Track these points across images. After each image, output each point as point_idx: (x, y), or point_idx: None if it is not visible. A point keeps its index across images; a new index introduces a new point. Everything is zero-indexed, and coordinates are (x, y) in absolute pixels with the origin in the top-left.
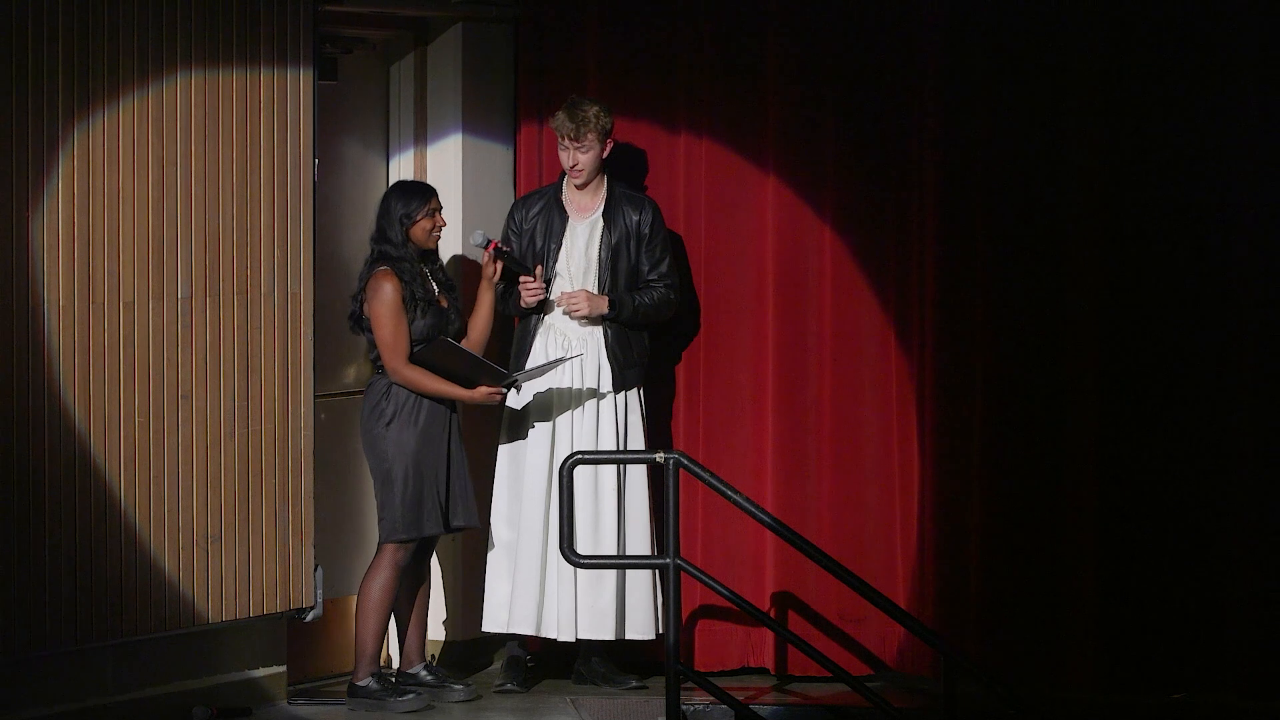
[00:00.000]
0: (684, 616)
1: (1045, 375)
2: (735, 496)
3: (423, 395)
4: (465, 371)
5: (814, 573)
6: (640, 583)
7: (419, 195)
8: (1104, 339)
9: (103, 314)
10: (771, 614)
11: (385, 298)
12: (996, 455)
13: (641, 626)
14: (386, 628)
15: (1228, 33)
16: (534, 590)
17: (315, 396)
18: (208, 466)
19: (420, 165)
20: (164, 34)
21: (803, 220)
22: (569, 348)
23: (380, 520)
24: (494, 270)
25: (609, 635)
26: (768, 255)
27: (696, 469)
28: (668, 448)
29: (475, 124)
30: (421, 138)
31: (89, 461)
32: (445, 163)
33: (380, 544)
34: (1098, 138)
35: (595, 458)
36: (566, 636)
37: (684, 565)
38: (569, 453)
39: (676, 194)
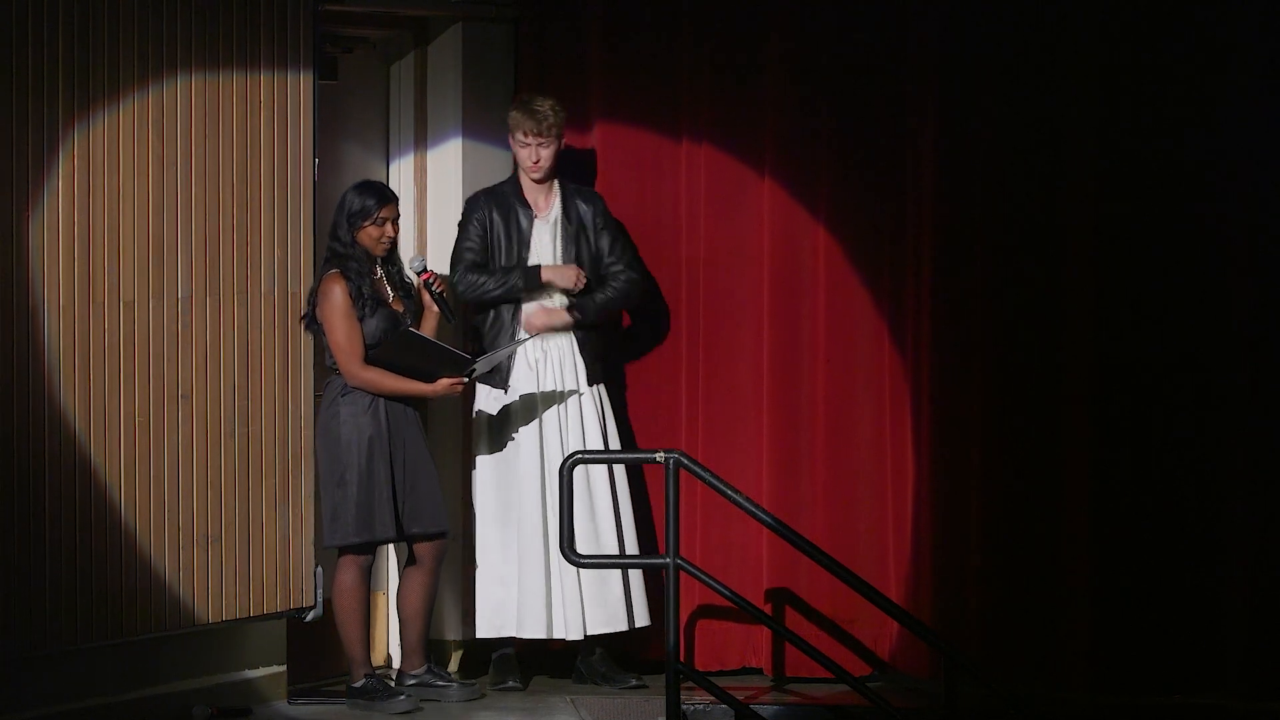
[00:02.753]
0: (684, 616)
1: (1041, 376)
2: (735, 496)
3: (381, 396)
4: (425, 365)
5: (812, 574)
6: (636, 571)
7: (374, 199)
8: (1100, 340)
9: (103, 314)
10: (769, 613)
11: (334, 301)
12: (992, 455)
13: (643, 613)
14: (366, 630)
15: (1226, 32)
16: (541, 594)
17: (315, 396)
18: (208, 466)
19: (420, 165)
20: (164, 34)
21: (798, 221)
22: (546, 345)
23: (332, 524)
24: (428, 298)
25: (621, 627)
26: (764, 256)
27: (696, 468)
28: (667, 447)
29: (475, 124)
30: (421, 137)
31: (89, 461)
32: (445, 162)
33: (337, 550)
34: (1095, 138)
35: (595, 458)
36: (576, 636)
37: (684, 565)
38: (560, 452)
39: (679, 194)
